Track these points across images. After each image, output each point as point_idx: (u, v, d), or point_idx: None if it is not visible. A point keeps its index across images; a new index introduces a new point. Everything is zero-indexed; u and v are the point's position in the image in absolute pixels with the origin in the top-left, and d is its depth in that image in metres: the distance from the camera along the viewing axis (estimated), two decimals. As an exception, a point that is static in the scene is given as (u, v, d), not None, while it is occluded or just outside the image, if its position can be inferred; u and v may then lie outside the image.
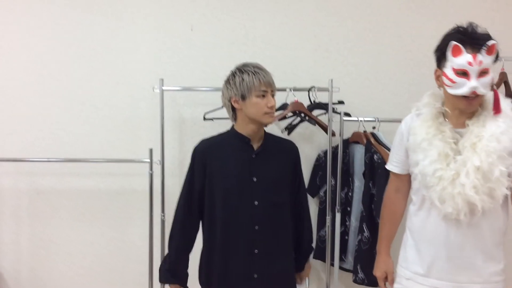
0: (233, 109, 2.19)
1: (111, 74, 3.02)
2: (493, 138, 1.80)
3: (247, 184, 2.16)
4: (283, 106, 2.79)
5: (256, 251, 2.16)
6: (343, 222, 2.85)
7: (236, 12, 3.00)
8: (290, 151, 2.31)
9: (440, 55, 1.89)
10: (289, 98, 2.78)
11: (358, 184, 2.83)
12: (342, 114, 2.77)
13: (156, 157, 2.82)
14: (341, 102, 2.88)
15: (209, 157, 2.20)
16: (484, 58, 1.79)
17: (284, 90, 2.71)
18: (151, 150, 2.80)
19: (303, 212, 2.35)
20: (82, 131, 3.04)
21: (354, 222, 2.83)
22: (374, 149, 2.69)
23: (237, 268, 2.16)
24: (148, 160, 2.81)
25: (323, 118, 2.83)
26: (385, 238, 2.23)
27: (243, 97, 2.10)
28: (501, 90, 2.82)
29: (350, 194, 2.85)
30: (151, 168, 2.82)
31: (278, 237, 2.21)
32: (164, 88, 2.80)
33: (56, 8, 3.00)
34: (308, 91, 2.80)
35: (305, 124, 2.84)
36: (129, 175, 3.04)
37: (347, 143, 2.87)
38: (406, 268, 2.05)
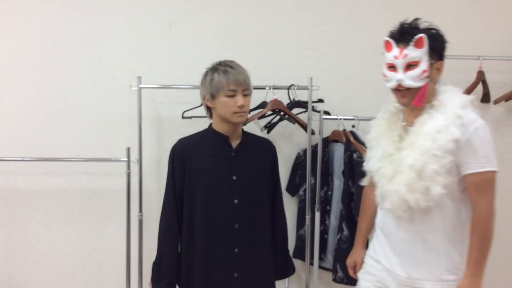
0: (208, 108, 2.21)
1: (87, 72, 2.99)
2: (429, 137, 1.83)
3: (226, 183, 2.17)
4: (262, 105, 2.79)
5: (236, 250, 2.17)
6: (323, 221, 2.86)
7: (215, 9, 2.99)
8: (268, 150, 2.33)
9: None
10: (268, 96, 2.78)
11: (338, 183, 2.84)
12: (321, 112, 2.78)
13: (134, 156, 2.81)
14: (320, 101, 2.89)
15: (188, 156, 2.21)
16: (411, 52, 1.84)
17: (263, 88, 2.73)
18: (128, 149, 2.80)
19: (278, 213, 2.37)
20: (58, 130, 3.00)
21: (333, 221, 2.85)
22: (354, 148, 2.71)
23: (217, 267, 2.17)
24: (126, 159, 2.80)
25: (303, 117, 2.85)
26: (362, 231, 2.30)
27: (213, 96, 2.12)
28: (479, 89, 2.88)
29: (329, 193, 2.86)
30: (128, 167, 2.80)
31: (258, 236, 2.23)
32: (141, 85, 2.78)
33: (30, 5, 2.96)
34: (288, 89, 2.81)
35: (285, 122, 2.85)
36: (106, 174, 3.02)
37: (326, 141, 2.88)
38: (370, 257, 2.13)
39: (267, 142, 2.35)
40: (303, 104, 2.82)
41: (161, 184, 2.87)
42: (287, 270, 2.44)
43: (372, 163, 2.06)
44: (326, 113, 2.83)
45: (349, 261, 2.33)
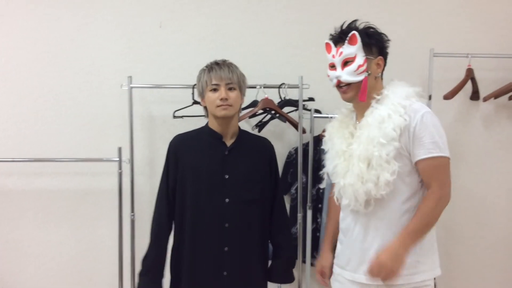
0: (205, 106, 2.24)
1: (79, 72, 3.03)
2: (373, 127, 1.89)
3: (218, 181, 2.18)
4: (253, 103, 2.81)
5: (226, 248, 2.18)
6: (315, 219, 2.88)
7: (205, 8, 3.03)
8: (264, 149, 2.33)
9: None
10: (259, 95, 2.81)
11: (329, 181, 2.84)
12: (312, 111, 2.80)
13: (125, 155, 2.84)
14: (311, 99, 2.91)
15: (182, 152, 2.23)
16: (346, 49, 1.94)
17: (254, 87, 2.74)
18: (119, 149, 2.82)
19: (279, 213, 2.36)
20: (49, 130, 3.03)
21: (325, 218, 2.82)
22: None
23: (207, 265, 2.18)
24: (117, 159, 2.83)
25: (294, 115, 2.87)
26: (329, 236, 2.28)
27: (202, 94, 2.19)
28: (468, 86, 2.92)
29: (321, 191, 2.88)
30: (120, 167, 2.83)
31: (248, 235, 2.23)
32: (132, 85, 2.82)
33: (21, 5, 2.98)
34: (278, 88, 2.82)
35: (276, 121, 2.87)
36: (97, 174, 3.04)
37: (317, 140, 2.87)
38: (336, 264, 2.14)
39: (265, 142, 2.36)
40: (293, 103, 2.85)
41: (153, 184, 2.97)
42: (289, 276, 2.40)
43: (328, 163, 2.12)
44: (317, 111, 2.85)
45: (317, 267, 2.31)
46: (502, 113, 3.07)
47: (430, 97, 2.86)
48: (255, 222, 2.25)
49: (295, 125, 2.84)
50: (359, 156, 1.90)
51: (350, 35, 1.93)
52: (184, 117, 2.84)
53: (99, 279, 3.10)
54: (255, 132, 2.85)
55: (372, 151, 1.87)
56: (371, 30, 1.99)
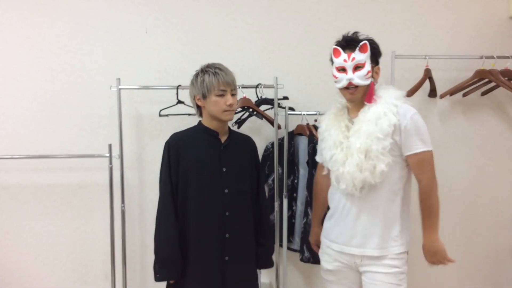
0: (198, 106, 2.29)
1: (71, 75, 3.06)
2: (371, 123, 2.10)
3: (218, 174, 2.26)
4: None
5: (227, 235, 2.26)
6: (290, 207, 2.97)
7: (188, 16, 3.07)
8: (250, 145, 2.44)
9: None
10: (238, 94, 2.76)
11: (303, 172, 2.94)
12: (286, 108, 2.88)
13: (115, 151, 2.89)
14: (285, 98, 2.98)
15: (182, 149, 2.27)
16: (358, 55, 2.12)
17: None
18: (110, 145, 2.87)
19: (262, 202, 2.46)
20: (44, 129, 3.08)
21: (299, 206, 2.95)
22: (316, 140, 2.74)
23: (210, 251, 2.25)
24: (108, 155, 2.87)
25: (270, 113, 2.93)
26: (316, 214, 2.53)
27: (204, 96, 2.21)
28: (426, 85, 3.00)
29: (295, 181, 2.96)
30: (110, 162, 2.88)
31: (245, 222, 2.33)
32: (120, 87, 2.87)
33: (15, 12, 3.02)
34: (255, 88, 2.88)
35: (253, 118, 2.94)
36: (90, 170, 3.09)
37: (292, 135, 2.97)
38: (325, 237, 2.35)
39: (249, 138, 2.47)
40: (269, 101, 2.91)
41: (142, 177, 3.05)
42: (271, 261, 2.51)
43: (325, 152, 2.29)
44: (291, 109, 2.93)
45: (312, 241, 2.56)
46: (457, 108, 3.14)
47: (392, 95, 2.95)
48: (249, 211, 2.35)
49: (271, 121, 2.90)
50: (359, 148, 2.10)
51: (362, 44, 2.11)
52: (169, 116, 2.88)
53: (93, 266, 3.14)
54: (235, 128, 2.90)
55: (370, 144, 2.09)
56: (373, 42, 2.19)
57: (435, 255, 2.20)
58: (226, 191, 2.27)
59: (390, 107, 2.12)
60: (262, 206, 2.46)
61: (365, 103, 2.18)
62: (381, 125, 2.09)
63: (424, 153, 2.13)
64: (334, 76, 2.20)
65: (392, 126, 2.09)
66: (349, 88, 2.17)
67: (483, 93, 3.11)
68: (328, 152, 2.26)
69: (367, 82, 2.15)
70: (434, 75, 3.01)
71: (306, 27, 3.12)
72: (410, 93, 2.95)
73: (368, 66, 2.13)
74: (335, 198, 2.30)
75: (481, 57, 2.95)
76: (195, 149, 2.28)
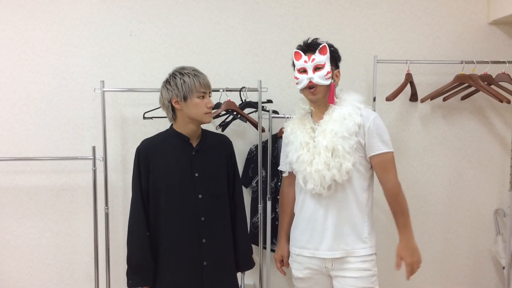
0: (173, 110, 2.26)
1: (55, 77, 3.06)
2: (337, 123, 2.18)
3: (189, 180, 2.27)
4: (217, 105, 2.85)
5: (204, 240, 2.27)
6: (274, 209, 2.97)
7: (172, 19, 3.08)
8: (225, 146, 2.44)
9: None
10: (222, 98, 2.89)
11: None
12: (270, 112, 2.90)
13: (99, 154, 2.88)
14: (269, 101, 3.01)
15: (151, 155, 2.27)
16: (317, 57, 2.22)
17: (217, 90, 2.81)
18: (94, 148, 2.88)
19: (238, 202, 2.46)
20: (28, 131, 3.07)
21: None
22: None
23: (187, 257, 2.26)
24: (91, 157, 2.87)
25: (254, 116, 2.97)
26: (283, 227, 2.54)
27: (185, 98, 2.20)
28: (407, 89, 3.04)
29: (279, 184, 2.95)
30: (94, 165, 2.88)
31: (221, 226, 2.33)
32: (104, 89, 2.87)
33: (1, 16, 3.01)
34: (240, 91, 2.90)
35: (238, 121, 2.95)
36: (73, 172, 3.09)
37: (275, 138, 2.99)
38: (293, 246, 2.39)
39: (225, 138, 2.47)
40: (253, 105, 2.93)
41: (126, 180, 3.05)
42: (250, 263, 2.52)
43: (291, 154, 2.34)
44: (275, 112, 2.94)
45: (276, 256, 2.57)
46: (438, 112, 3.19)
47: (374, 99, 2.94)
48: (225, 214, 2.36)
49: (255, 124, 2.93)
50: (326, 146, 2.17)
51: (321, 46, 2.22)
52: (154, 118, 2.89)
53: (77, 269, 3.13)
54: (219, 131, 2.90)
55: (337, 143, 2.15)
56: (333, 46, 2.29)
57: (414, 253, 2.24)
58: (200, 196, 2.28)
59: (354, 109, 2.22)
60: (237, 206, 2.46)
61: (329, 104, 2.26)
62: (346, 124, 2.18)
63: (387, 154, 2.23)
64: (296, 78, 2.29)
65: (357, 126, 2.19)
66: (310, 88, 2.24)
67: (463, 98, 3.15)
68: (295, 153, 2.31)
69: (327, 82, 2.23)
70: (415, 79, 3.06)
71: (290, 31, 3.16)
72: (392, 97, 3.00)
73: (327, 67, 2.23)
74: (302, 203, 2.34)
75: (461, 62, 3.01)
76: (165, 155, 2.28)
